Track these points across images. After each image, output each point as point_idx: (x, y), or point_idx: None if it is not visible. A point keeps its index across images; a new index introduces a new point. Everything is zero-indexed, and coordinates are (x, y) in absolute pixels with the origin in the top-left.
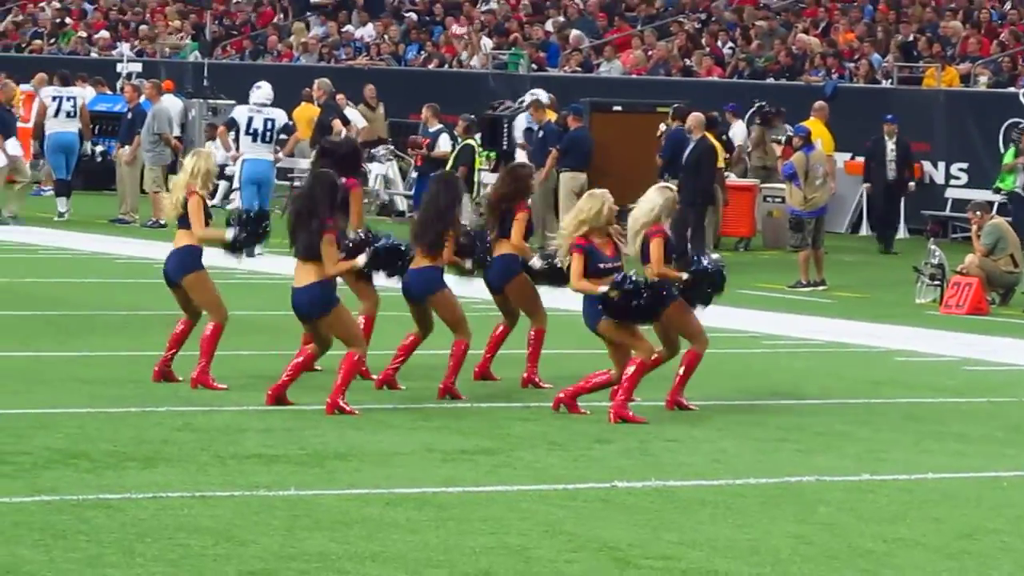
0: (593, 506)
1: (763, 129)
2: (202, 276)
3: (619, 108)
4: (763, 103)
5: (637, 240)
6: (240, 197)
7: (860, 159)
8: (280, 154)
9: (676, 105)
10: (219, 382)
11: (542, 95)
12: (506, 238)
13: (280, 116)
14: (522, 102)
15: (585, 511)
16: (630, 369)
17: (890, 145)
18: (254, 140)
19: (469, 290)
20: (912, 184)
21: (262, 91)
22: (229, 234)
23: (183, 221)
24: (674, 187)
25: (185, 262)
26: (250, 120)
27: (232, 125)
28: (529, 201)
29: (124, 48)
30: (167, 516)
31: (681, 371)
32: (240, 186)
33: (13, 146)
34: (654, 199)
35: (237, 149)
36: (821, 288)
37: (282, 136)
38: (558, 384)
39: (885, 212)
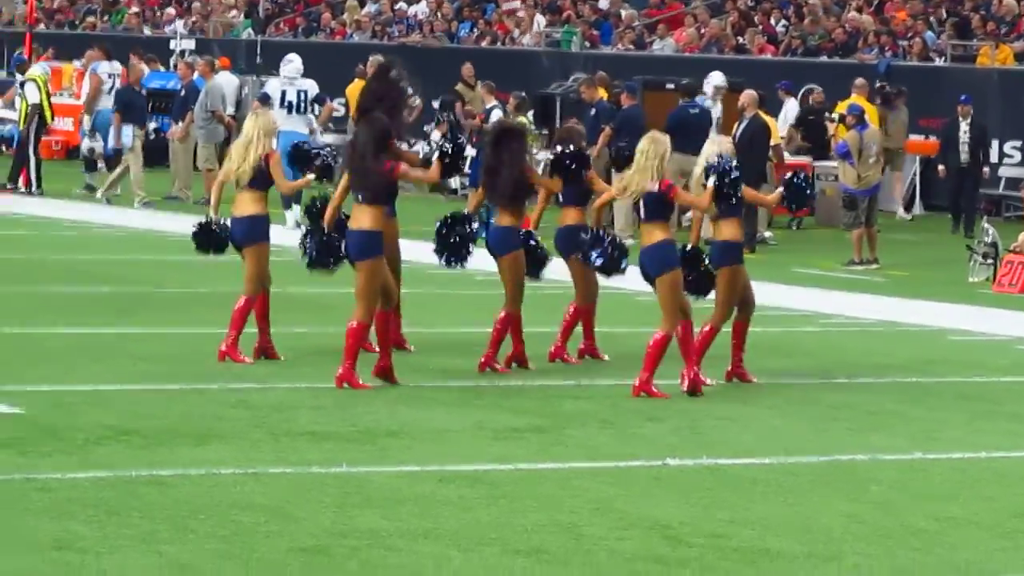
0: (644, 484)
1: (885, 110)
2: (264, 249)
3: (672, 86)
4: (885, 83)
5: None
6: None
7: (914, 137)
8: (315, 125)
9: (685, 81)
10: (246, 355)
11: (717, 78)
12: (570, 205)
13: (312, 87)
14: (576, 79)
15: (636, 489)
16: (654, 339)
17: (963, 127)
18: (289, 112)
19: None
20: (987, 168)
21: (293, 64)
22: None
23: (254, 183)
24: (725, 139)
25: (256, 230)
26: (283, 93)
27: (266, 100)
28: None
29: (178, 25)
30: (220, 493)
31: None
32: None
33: (127, 136)
34: (711, 151)
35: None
36: (874, 267)
37: (316, 107)
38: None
39: (956, 195)
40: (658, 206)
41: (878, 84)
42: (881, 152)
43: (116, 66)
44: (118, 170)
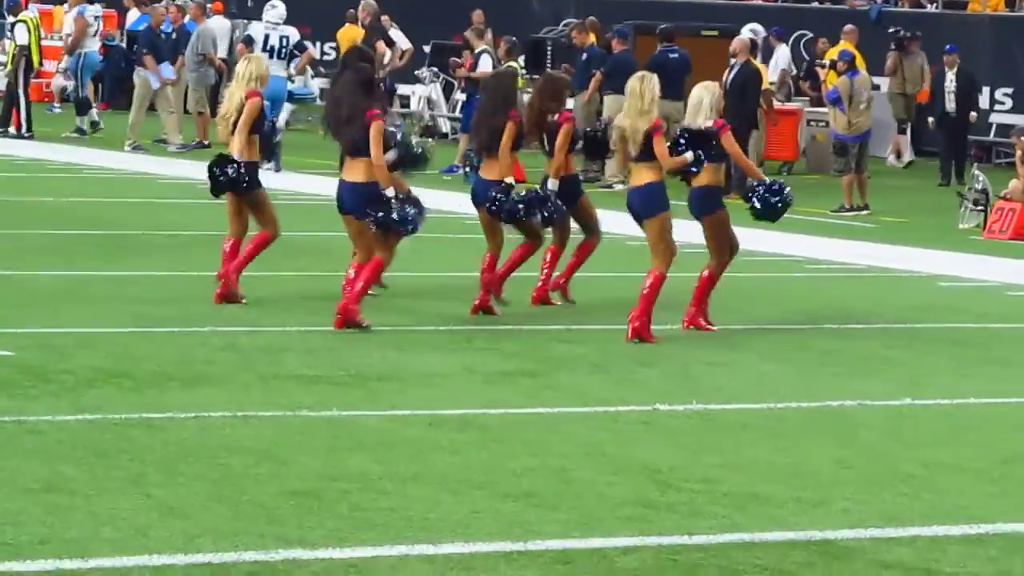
0: (634, 429)
1: (898, 55)
2: (263, 193)
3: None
4: (898, 28)
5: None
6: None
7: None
8: (292, 70)
9: (664, 26)
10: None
11: (758, 29)
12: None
13: (294, 33)
14: (567, 24)
15: (626, 434)
16: (647, 282)
17: (949, 76)
18: (270, 57)
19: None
20: (973, 115)
21: (276, 10)
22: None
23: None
24: (713, 84)
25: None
26: (267, 37)
27: (249, 42)
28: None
29: None
30: (209, 436)
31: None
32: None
33: (167, 70)
34: (701, 94)
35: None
36: (864, 213)
37: (295, 53)
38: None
39: (945, 145)
40: (648, 147)
41: (892, 29)
42: (871, 98)
43: (98, 9)
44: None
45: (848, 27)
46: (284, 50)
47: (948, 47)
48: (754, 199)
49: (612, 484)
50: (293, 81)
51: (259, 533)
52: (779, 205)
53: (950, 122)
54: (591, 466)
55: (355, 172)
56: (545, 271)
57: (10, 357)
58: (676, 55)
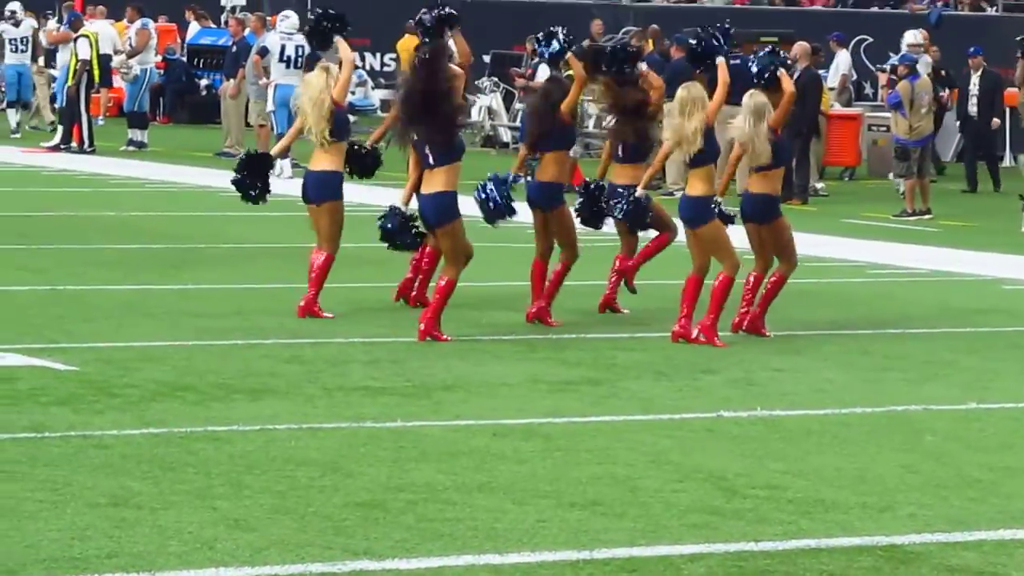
0: (699, 436)
1: None
2: (339, 205)
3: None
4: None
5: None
6: (273, 120)
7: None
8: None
9: (678, 35)
10: (326, 312)
11: (911, 36)
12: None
13: (305, 43)
14: (626, 32)
15: (691, 441)
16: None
17: (974, 79)
18: (287, 67)
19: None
20: (996, 121)
21: (290, 20)
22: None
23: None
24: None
25: (329, 187)
26: (283, 48)
27: (265, 53)
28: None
29: None
30: (274, 448)
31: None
32: (275, 109)
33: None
34: (749, 103)
35: (268, 77)
36: (927, 217)
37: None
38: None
39: (969, 150)
40: (700, 154)
41: (1019, 38)
42: (932, 102)
43: (149, 22)
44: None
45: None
46: (300, 59)
47: (973, 49)
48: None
49: (677, 491)
50: (353, 93)
51: (325, 545)
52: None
53: (973, 126)
54: (656, 474)
55: (435, 183)
56: (613, 279)
57: (75, 372)
58: (738, 61)
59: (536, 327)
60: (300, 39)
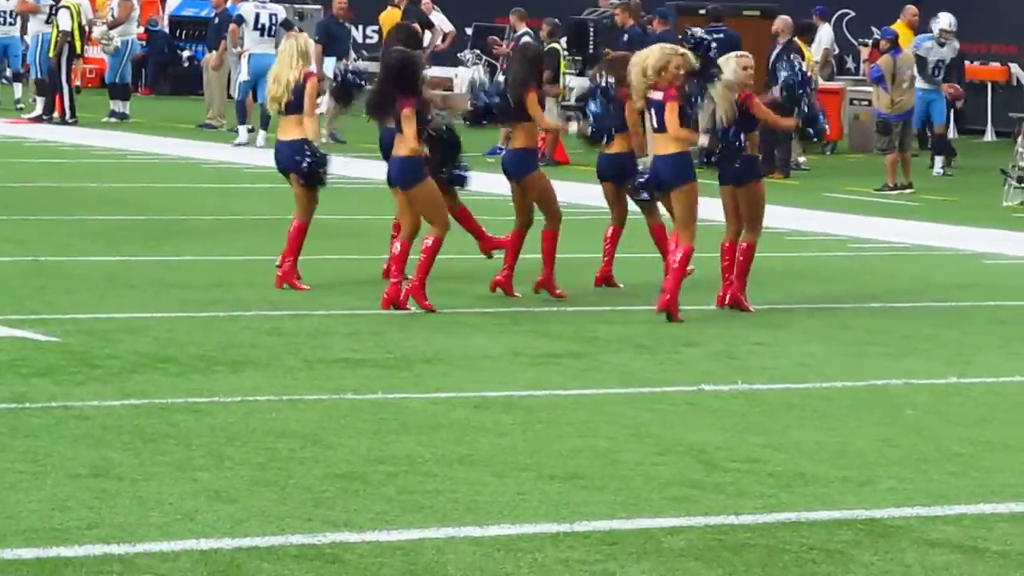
0: (680, 409)
1: None
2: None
3: (704, 11)
4: None
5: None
6: (239, 90)
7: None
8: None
9: (711, 6)
10: (304, 283)
11: (944, 20)
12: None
13: (280, 11)
14: (611, 4)
15: (672, 414)
16: (678, 256)
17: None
18: (261, 35)
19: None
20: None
21: None
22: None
23: (292, 107)
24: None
25: (301, 155)
26: (257, 16)
27: (240, 21)
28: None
29: None
30: (255, 420)
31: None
32: (249, 79)
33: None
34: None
35: (242, 45)
36: (908, 191)
37: (281, 30)
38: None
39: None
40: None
41: None
42: (914, 76)
43: None
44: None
45: (908, 7)
46: (273, 27)
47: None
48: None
49: (658, 465)
50: None
51: (306, 516)
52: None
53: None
54: (637, 447)
55: (402, 148)
56: (607, 250)
57: (56, 343)
58: (721, 35)
59: (517, 301)
60: (273, 7)
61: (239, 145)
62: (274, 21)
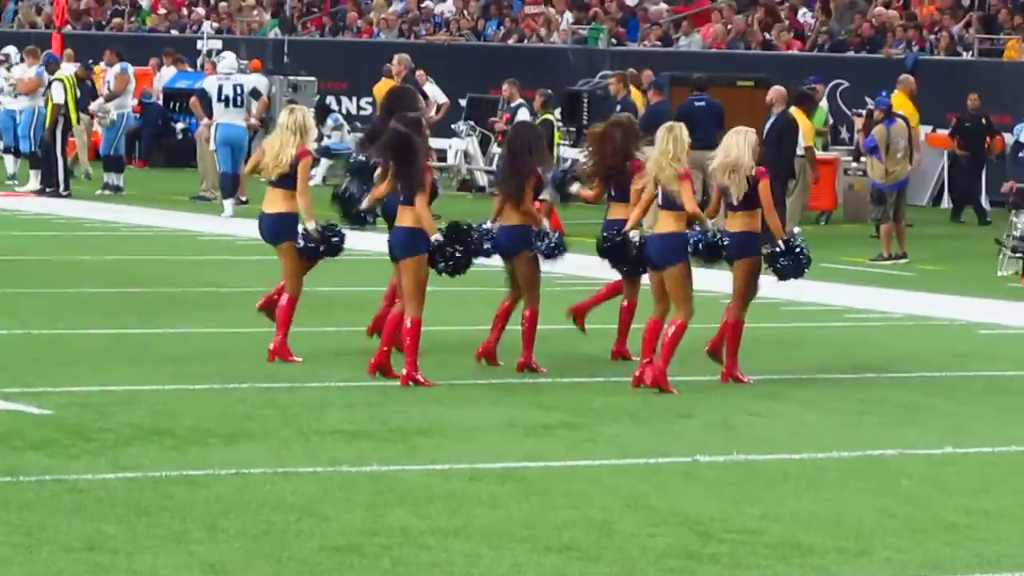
0: (675, 480)
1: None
2: (294, 246)
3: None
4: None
5: (730, 181)
6: (217, 159)
7: (941, 132)
8: (252, 120)
9: (695, 76)
10: (296, 356)
11: None
12: (619, 202)
13: (247, 81)
14: (604, 76)
15: (667, 485)
16: (670, 331)
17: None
18: (226, 106)
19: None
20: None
21: (226, 61)
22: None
23: (282, 181)
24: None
25: (284, 228)
26: (220, 88)
27: (203, 95)
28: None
29: (205, 25)
30: (250, 492)
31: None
32: (216, 148)
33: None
34: (738, 142)
35: (210, 117)
36: (903, 261)
37: (252, 100)
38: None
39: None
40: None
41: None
42: (908, 147)
43: (128, 67)
44: None
45: (903, 77)
46: (240, 98)
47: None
48: (778, 262)
49: (654, 536)
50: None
51: None
52: (802, 259)
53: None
54: (633, 518)
55: (406, 219)
56: (621, 328)
57: (50, 416)
58: (703, 103)
59: (511, 371)
60: (238, 78)
61: (228, 217)
62: (240, 92)
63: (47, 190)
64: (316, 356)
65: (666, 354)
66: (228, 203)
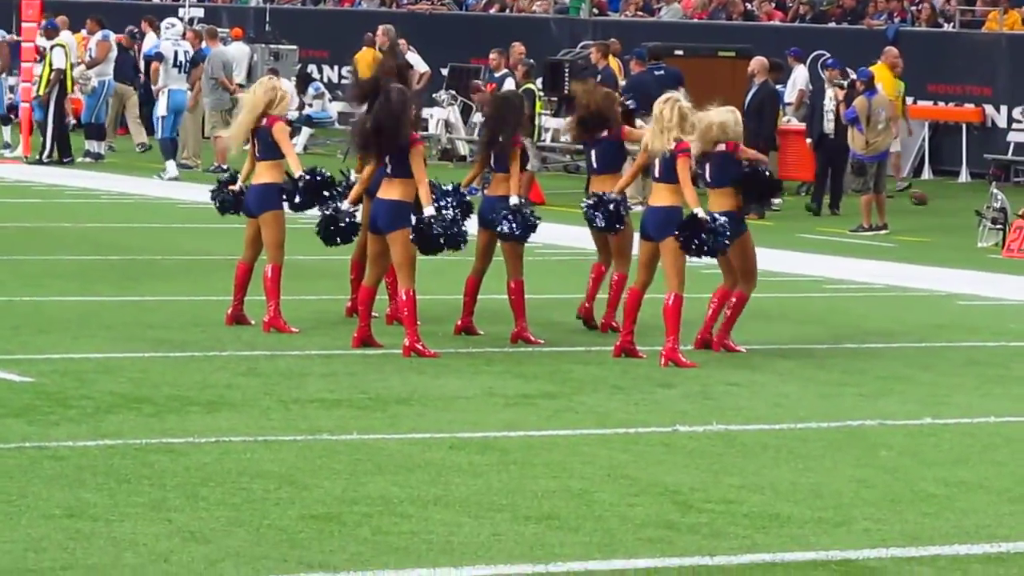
0: (655, 450)
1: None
2: (280, 216)
3: (680, 52)
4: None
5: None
6: (162, 126)
7: (922, 103)
8: (236, 88)
9: (651, 44)
10: (291, 325)
11: None
12: (604, 173)
13: (190, 48)
14: (585, 46)
15: (647, 455)
16: (669, 305)
17: (829, 94)
18: (179, 72)
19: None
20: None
21: (176, 28)
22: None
23: (265, 153)
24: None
25: (269, 199)
26: (175, 53)
27: (161, 58)
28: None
29: None
30: (230, 460)
31: (728, 312)
32: (166, 114)
33: None
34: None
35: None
36: (883, 232)
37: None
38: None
39: (820, 170)
40: (671, 168)
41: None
42: (892, 118)
43: (110, 34)
44: None
45: (887, 48)
46: (186, 64)
47: (830, 61)
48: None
49: (633, 505)
50: (311, 106)
51: (281, 557)
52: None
53: (829, 144)
54: (612, 488)
55: (392, 191)
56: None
57: (30, 383)
58: (661, 71)
59: (492, 340)
60: (184, 44)
61: (171, 179)
62: (187, 58)
63: (65, 159)
64: (297, 324)
65: (673, 332)
66: (171, 164)
